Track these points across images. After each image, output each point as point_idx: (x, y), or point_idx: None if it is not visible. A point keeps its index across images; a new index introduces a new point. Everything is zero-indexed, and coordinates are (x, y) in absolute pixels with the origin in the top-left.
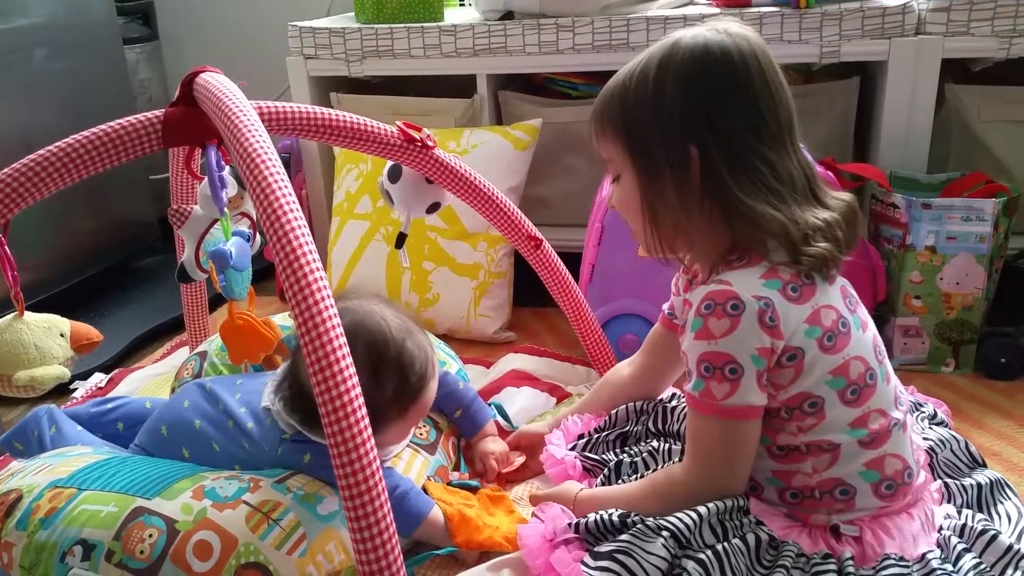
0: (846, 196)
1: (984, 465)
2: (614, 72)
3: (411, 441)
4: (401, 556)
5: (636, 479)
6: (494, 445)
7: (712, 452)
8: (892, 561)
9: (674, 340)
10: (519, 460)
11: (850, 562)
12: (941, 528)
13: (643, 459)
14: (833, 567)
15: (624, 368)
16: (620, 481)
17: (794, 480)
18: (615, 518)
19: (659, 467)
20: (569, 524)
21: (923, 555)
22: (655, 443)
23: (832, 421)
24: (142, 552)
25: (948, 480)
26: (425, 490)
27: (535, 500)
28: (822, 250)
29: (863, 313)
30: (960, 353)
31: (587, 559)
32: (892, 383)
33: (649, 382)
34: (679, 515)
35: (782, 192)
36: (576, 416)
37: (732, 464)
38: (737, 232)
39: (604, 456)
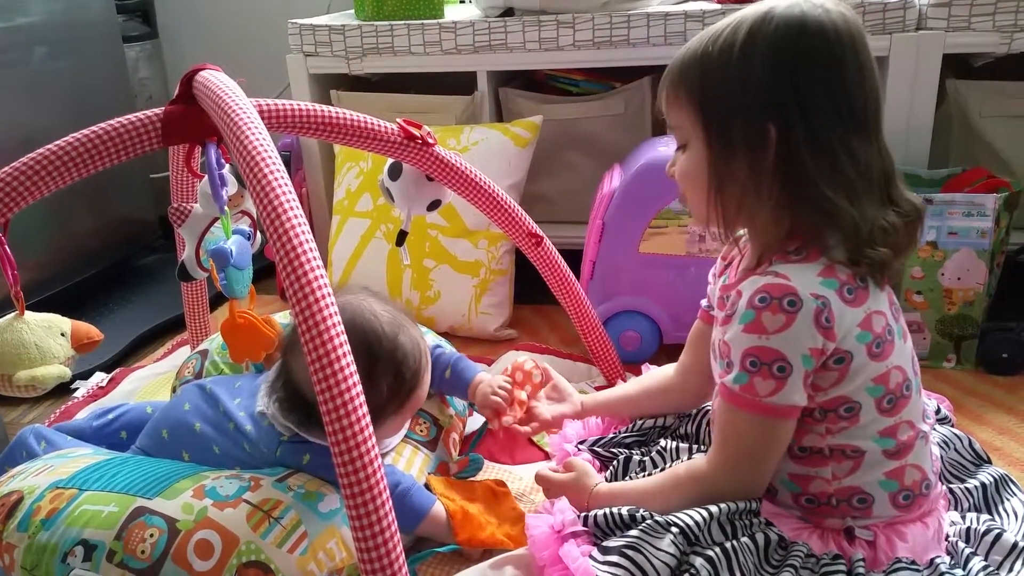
0: (917, 200)
1: (988, 461)
2: (615, 68)
3: (411, 438)
4: (403, 553)
5: (643, 476)
6: (485, 389)
7: (743, 448)
8: (903, 564)
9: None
10: (522, 394)
11: (861, 563)
12: (948, 536)
13: (651, 458)
14: (843, 568)
15: (671, 368)
16: (628, 477)
17: (812, 485)
18: (624, 513)
19: (667, 465)
20: (578, 516)
21: (932, 560)
22: (663, 442)
23: (863, 427)
24: (143, 552)
25: (953, 485)
26: (427, 486)
27: (545, 481)
28: (882, 255)
29: (904, 323)
30: (961, 348)
31: (595, 553)
32: (922, 395)
33: (693, 382)
34: (689, 512)
35: (857, 185)
36: (599, 419)
37: (761, 463)
38: (803, 220)
39: (613, 451)
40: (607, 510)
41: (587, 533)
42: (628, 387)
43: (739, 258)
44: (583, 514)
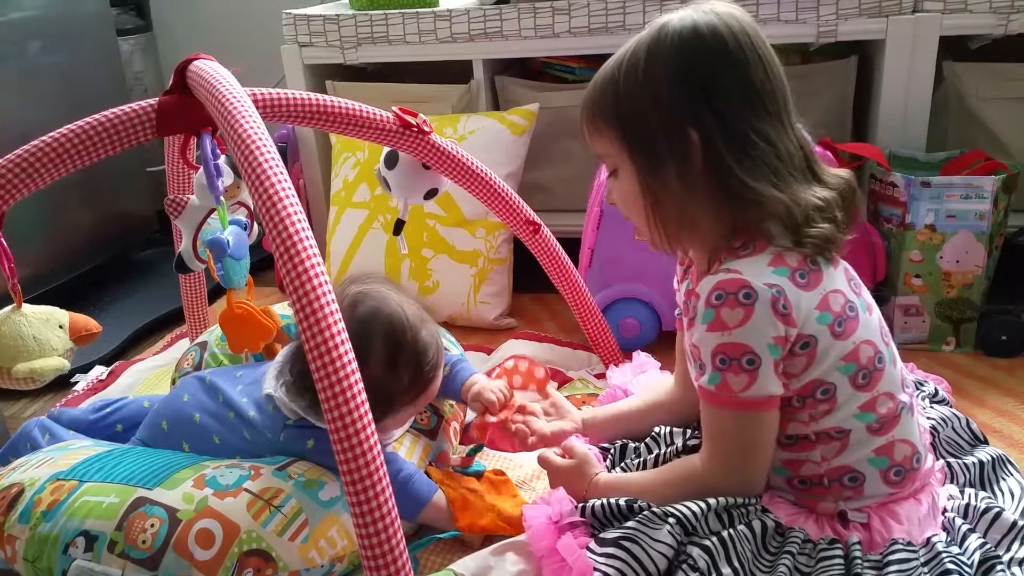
0: (844, 173)
1: (986, 442)
2: (611, 55)
3: (412, 427)
4: (404, 540)
5: (639, 462)
6: (485, 384)
7: (731, 445)
8: (900, 546)
9: None
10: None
11: (857, 547)
12: (945, 510)
13: (646, 443)
14: (839, 552)
15: (669, 379)
16: (624, 463)
17: (803, 468)
18: (622, 503)
19: (662, 450)
20: (575, 507)
21: (928, 539)
22: (657, 428)
23: (842, 407)
24: (144, 542)
25: (950, 460)
26: (428, 475)
27: (548, 464)
28: (823, 231)
29: (867, 295)
30: (960, 331)
31: (593, 545)
32: (898, 365)
33: (689, 389)
34: (687, 503)
35: (782, 171)
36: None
37: (752, 456)
38: (740, 215)
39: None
40: (604, 500)
41: (584, 524)
42: (632, 402)
43: (694, 264)
44: (580, 504)
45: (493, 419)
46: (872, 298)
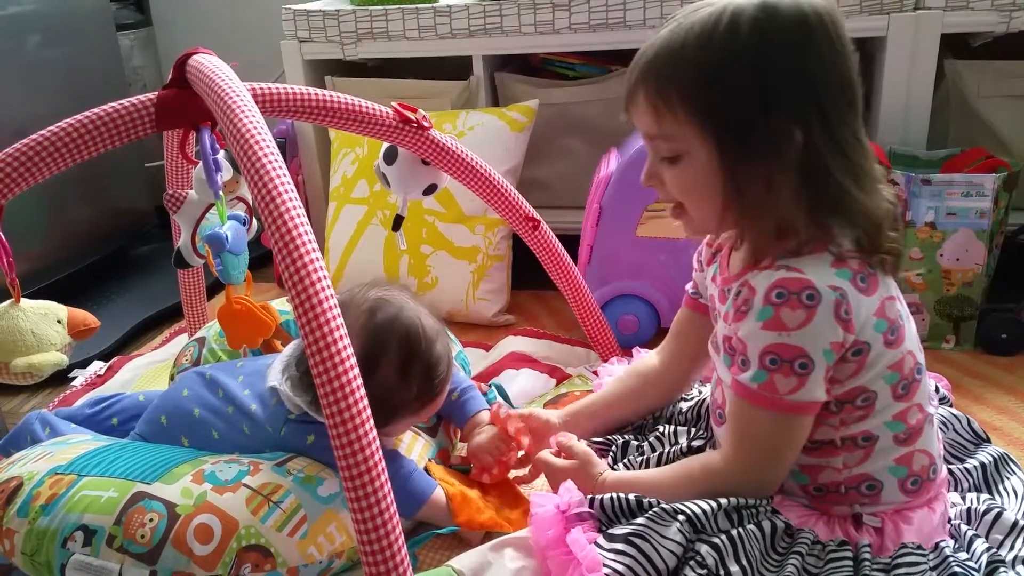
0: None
1: (988, 440)
2: (612, 51)
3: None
4: (403, 536)
5: (642, 460)
6: (485, 437)
7: (762, 445)
8: (909, 549)
9: (703, 321)
10: (520, 450)
11: (867, 549)
12: (950, 518)
13: (650, 443)
14: (849, 554)
15: (654, 356)
16: (626, 461)
17: (822, 475)
18: (631, 499)
19: (665, 450)
20: (584, 498)
21: (937, 544)
22: (661, 428)
23: (878, 414)
24: (143, 536)
25: (952, 467)
26: (427, 471)
27: (547, 465)
28: (896, 246)
29: (905, 303)
30: (960, 329)
31: (601, 540)
32: (927, 375)
33: (681, 369)
34: (697, 501)
35: (867, 169)
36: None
37: (779, 460)
38: (825, 217)
39: (610, 437)
40: (613, 495)
41: (592, 517)
42: (610, 389)
43: (727, 247)
44: (589, 496)
45: (485, 479)
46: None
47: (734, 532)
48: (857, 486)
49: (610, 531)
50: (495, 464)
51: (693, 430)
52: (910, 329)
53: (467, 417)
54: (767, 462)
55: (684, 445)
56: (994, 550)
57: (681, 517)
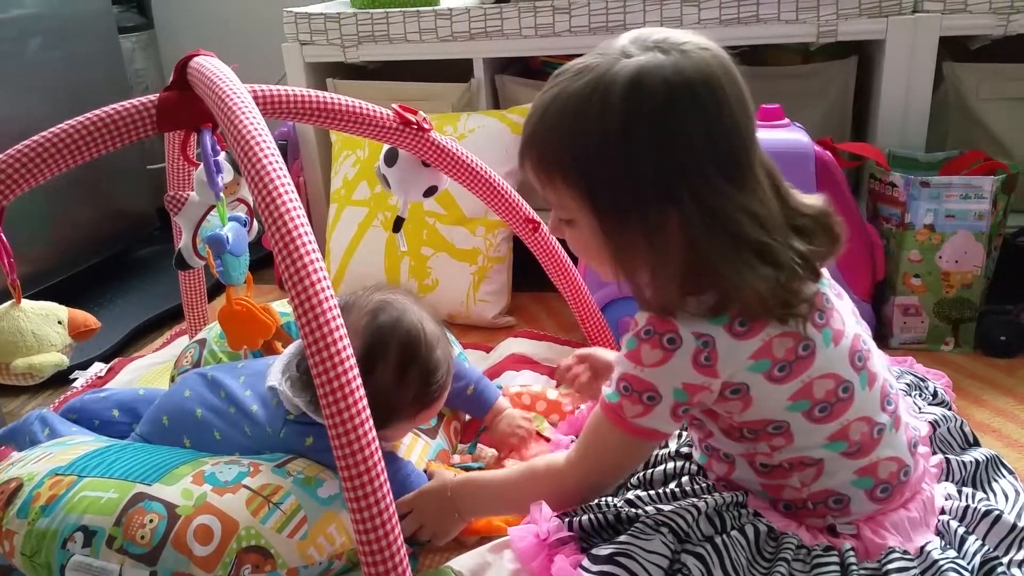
0: (814, 198)
1: (977, 444)
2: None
3: None
4: (402, 538)
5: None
6: (510, 421)
7: (601, 457)
8: (897, 555)
9: None
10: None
11: (851, 553)
12: (943, 510)
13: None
14: (835, 559)
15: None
16: None
17: (784, 493)
18: (610, 517)
19: (659, 451)
20: (562, 522)
21: (922, 548)
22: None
23: (803, 440)
24: (143, 537)
25: (948, 456)
26: (427, 473)
27: (402, 507)
28: (802, 310)
29: (839, 317)
30: (959, 331)
31: (586, 563)
32: (878, 383)
33: None
34: (678, 511)
35: (763, 241)
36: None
37: (613, 472)
38: (697, 292)
39: None
40: (592, 515)
41: (573, 539)
42: None
43: None
44: (568, 520)
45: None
46: (849, 312)
47: (718, 540)
48: (824, 501)
49: (593, 551)
50: (523, 442)
51: (683, 435)
52: (829, 353)
53: (488, 407)
54: (603, 472)
55: (673, 449)
56: (988, 548)
57: (664, 529)
